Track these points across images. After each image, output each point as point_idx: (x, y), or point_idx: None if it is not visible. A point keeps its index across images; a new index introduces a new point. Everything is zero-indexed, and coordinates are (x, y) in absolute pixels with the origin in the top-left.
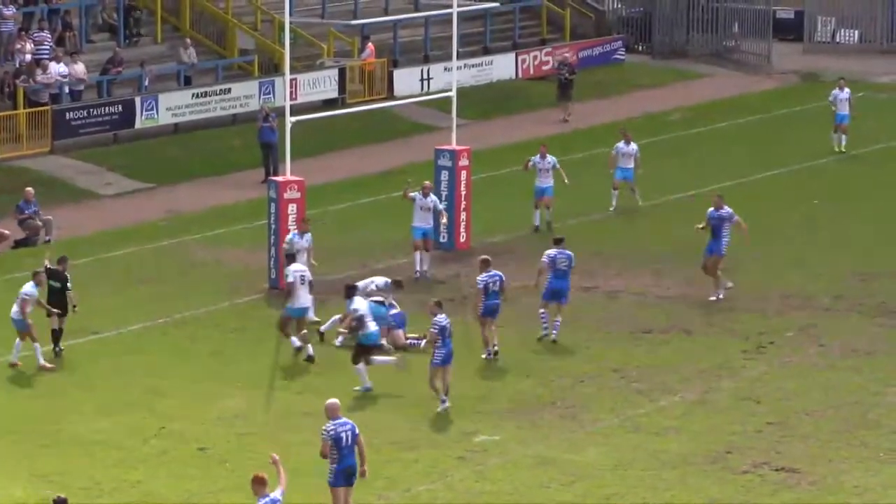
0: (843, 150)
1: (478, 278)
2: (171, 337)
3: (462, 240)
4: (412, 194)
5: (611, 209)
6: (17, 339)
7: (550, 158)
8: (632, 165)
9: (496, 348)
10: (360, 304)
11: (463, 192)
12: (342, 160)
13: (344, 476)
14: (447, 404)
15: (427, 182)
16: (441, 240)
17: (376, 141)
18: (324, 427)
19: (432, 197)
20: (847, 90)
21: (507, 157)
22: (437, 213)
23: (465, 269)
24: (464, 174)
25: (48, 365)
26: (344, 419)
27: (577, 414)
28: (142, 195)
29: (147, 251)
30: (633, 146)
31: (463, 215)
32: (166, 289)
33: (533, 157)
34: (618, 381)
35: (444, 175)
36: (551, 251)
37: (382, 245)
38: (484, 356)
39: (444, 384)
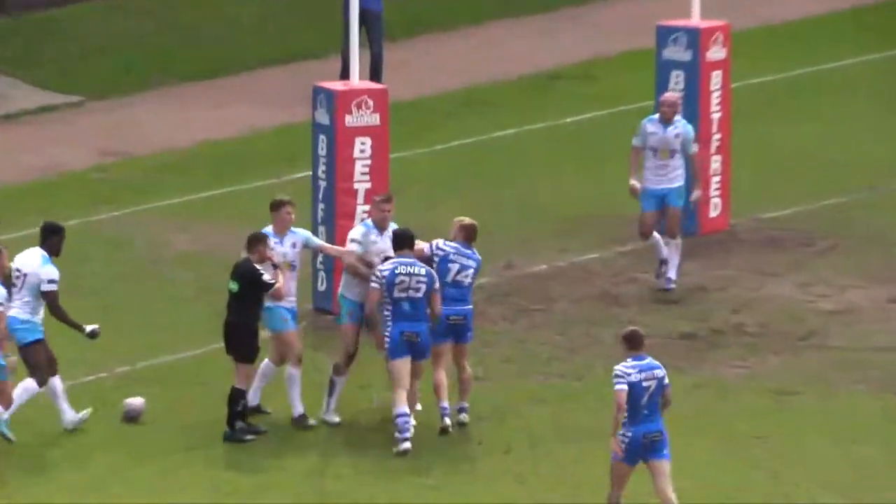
0: None
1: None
2: None
3: (715, 214)
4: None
5: None
6: None
7: None
8: None
9: None
10: None
11: (714, 117)
12: None
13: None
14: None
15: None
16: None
17: None
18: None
19: (676, 123)
20: None
21: None
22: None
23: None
24: (716, 76)
25: None
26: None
27: None
28: None
29: None
30: None
31: (717, 164)
32: None
33: None
34: None
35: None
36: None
37: None
38: None
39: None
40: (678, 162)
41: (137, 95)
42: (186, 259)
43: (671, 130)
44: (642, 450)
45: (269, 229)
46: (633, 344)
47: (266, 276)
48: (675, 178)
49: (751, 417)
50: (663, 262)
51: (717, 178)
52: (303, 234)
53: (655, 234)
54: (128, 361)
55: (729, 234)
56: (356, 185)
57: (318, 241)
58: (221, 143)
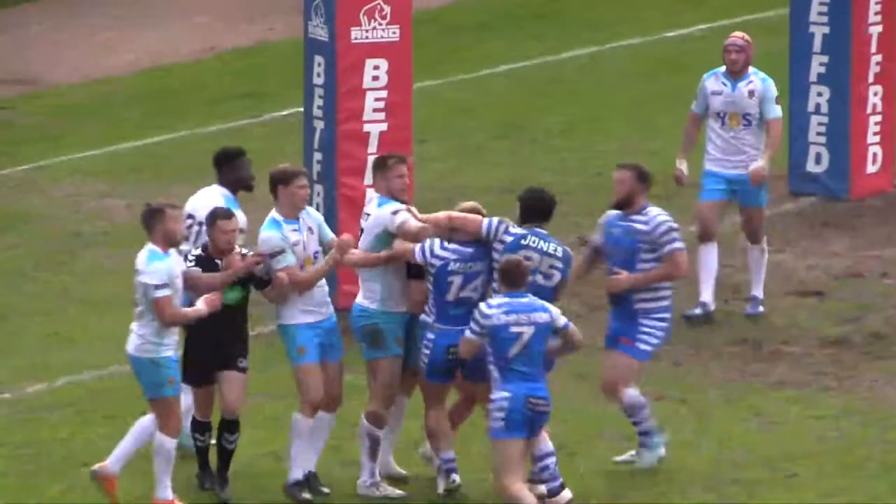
0: None
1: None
2: None
3: (873, 169)
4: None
5: None
6: None
7: None
8: None
9: None
10: None
11: (873, 31)
12: None
13: None
14: None
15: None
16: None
17: None
18: None
19: (750, 76)
20: None
21: None
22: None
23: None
24: None
25: None
26: None
27: None
28: None
29: None
30: None
31: (877, 99)
32: None
33: None
34: None
35: None
36: None
37: None
38: None
39: None
40: (756, 133)
41: (33, 4)
42: (120, 237)
43: (743, 87)
44: (528, 418)
45: (275, 214)
46: (510, 278)
47: (188, 265)
48: (752, 157)
49: None
50: (703, 307)
51: (876, 119)
52: (316, 216)
53: (709, 246)
54: (45, 377)
55: (894, 199)
56: (367, 127)
57: (333, 235)
58: (168, 70)
